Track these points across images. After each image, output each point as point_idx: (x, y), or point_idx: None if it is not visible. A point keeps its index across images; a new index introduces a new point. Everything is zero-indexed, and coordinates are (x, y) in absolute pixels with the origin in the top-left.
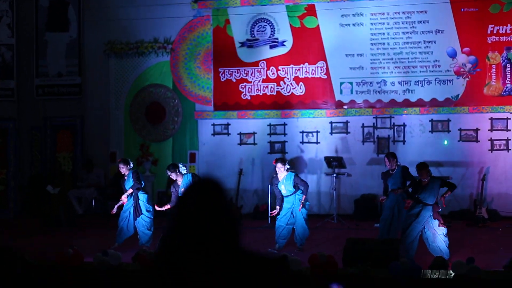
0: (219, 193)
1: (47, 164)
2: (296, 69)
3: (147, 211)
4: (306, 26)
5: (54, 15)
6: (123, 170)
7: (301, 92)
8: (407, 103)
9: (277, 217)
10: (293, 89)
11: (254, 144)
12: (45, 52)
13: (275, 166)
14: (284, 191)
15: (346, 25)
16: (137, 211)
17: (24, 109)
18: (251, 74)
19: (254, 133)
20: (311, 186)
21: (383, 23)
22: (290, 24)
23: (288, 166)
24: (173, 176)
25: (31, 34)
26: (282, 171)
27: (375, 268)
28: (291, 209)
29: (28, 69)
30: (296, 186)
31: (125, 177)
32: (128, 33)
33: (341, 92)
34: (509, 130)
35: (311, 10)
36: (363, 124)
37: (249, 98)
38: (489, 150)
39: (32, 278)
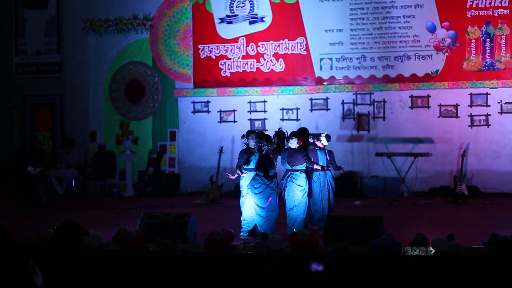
0: None
1: (27, 143)
2: (275, 45)
3: None
4: (286, 2)
5: None
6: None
7: (281, 69)
8: (386, 79)
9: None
10: (272, 65)
11: (234, 121)
12: (24, 30)
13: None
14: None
15: (325, 0)
16: None
17: (3, 87)
18: (231, 51)
19: (234, 111)
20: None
21: None
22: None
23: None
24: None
25: (10, 12)
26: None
27: (355, 246)
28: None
29: (6, 48)
30: None
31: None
32: (107, 10)
33: (321, 68)
34: (489, 106)
35: None
36: (343, 100)
37: (228, 75)
38: (469, 126)
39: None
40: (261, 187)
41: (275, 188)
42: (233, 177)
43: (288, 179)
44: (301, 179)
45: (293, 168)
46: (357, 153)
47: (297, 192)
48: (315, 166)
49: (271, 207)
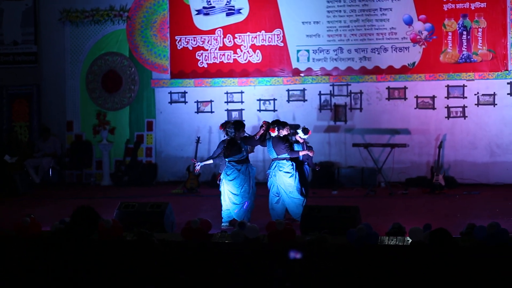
0: None
1: (4, 133)
2: (252, 37)
3: None
4: None
5: None
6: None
7: (258, 60)
8: (363, 71)
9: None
10: (250, 57)
11: (211, 112)
12: (1, 20)
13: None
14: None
15: None
16: None
17: None
18: (208, 42)
19: (211, 101)
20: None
21: None
22: None
23: None
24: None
25: None
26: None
27: (332, 235)
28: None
29: None
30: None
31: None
32: (83, 1)
33: (297, 60)
34: (466, 98)
35: None
36: (320, 91)
37: (206, 66)
38: (445, 117)
39: None
40: (233, 173)
41: (248, 174)
42: (198, 167)
43: (275, 168)
44: (288, 166)
45: (279, 157)
46: (334, 143)
47: (287, 179)
48: (301, 153)
49: (245, 194)
